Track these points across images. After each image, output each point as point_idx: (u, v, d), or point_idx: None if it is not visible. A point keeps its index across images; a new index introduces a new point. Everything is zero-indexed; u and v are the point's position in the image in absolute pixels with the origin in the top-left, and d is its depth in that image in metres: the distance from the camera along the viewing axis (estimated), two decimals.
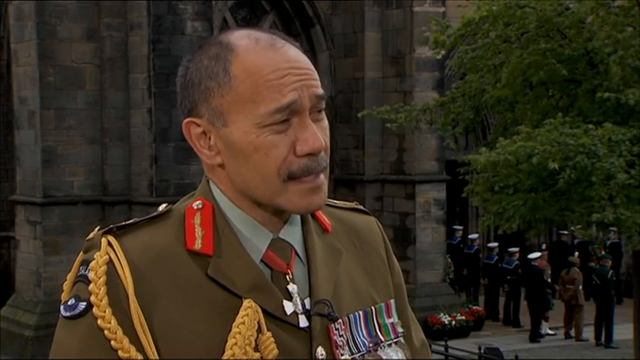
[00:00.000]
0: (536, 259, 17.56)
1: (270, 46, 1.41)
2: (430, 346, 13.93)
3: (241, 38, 1.43)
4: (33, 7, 15.00)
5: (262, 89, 1.38)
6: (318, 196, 1.42)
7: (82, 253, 1.42)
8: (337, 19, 18.21)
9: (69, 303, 1.38)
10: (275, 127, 1.38)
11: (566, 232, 18.38)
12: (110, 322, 1.33)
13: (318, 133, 1.40)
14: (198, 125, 1.43)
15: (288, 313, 1.41)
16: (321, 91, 1.42)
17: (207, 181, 1.48)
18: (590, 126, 9.67)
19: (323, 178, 1.43)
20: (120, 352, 1.33)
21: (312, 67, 1.44)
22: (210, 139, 1.43)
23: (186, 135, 1.45)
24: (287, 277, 1.44)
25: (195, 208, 1.45)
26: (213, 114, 1.41)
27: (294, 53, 1.42)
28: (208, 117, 1.42)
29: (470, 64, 11.65)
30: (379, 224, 1.67)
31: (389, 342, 1.52)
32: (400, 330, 1.56)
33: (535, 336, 17.15)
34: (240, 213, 1.45)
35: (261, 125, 1.38)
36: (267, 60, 1.40)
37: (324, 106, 1.44)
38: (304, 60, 1.43)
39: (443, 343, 13.58)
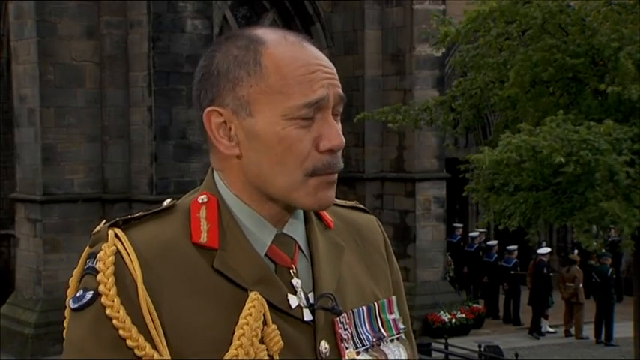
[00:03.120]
0: (545, 254, 17.61)
1: (299, 42, 1.44)
2: (430, 344, 13.90)
3: (269, 33, 1.45)
4: (33, 5, 14.99)
5: (293, 82, 1.40)
6: (332, 192, 1.45)
7: (88, 247, 1.43)
8: (337, 17, 18.20)
9: (77, 295, 1.39)
10: (300, 121, 1.40)
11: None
12: (119, 312, 1.34)
13: (339, 131, 1.43)
14: (220, 114, 1.43)
15: (293, 306, 1.42)
16: (342, 92, 1.45)
17: (212, 175, 1.49)
18: (592, 123, 9.66)
19: (336, 176, 1.45)
20: (128, 341, 1.33)
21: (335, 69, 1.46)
22: (230, 129, 1.43)
23: (206, 124, 1.44)
24: (291, 271, 1.45)
25: (200, 202, 1.46)
26: (238, 103, 1.42)
27: (319, 53, 1.45)
28: (233, 106, 1.42)
29: (471, 62, 11.65)
30: (379, 223, 1.68)
31: (391, 337, 1.54)
32: (402, 326, 1.57)
33: (534, 330, 17.14)
34: (245, 207, 1.46)
35: (287, 118, 1.40)
36: (297, 55, 1.42)
37: (341, 109, 1.46)
38: (329, 60, 1.46)
39: (443, 340, 13.59)
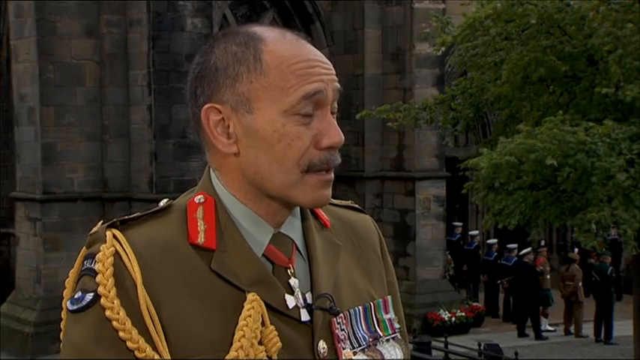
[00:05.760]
0: (524, 254, 17.57)
1: (297, 40, 1.45)
2: (430, 342, 13.89)
3: (267, 31, 1.45)
4: (32, 3, 14.99)
5: (291, 77, 1.40)
6: (328, 191, 1.45)
7: (85, 247, 1.42)
8: (337, 16, 18.20)
9: (75, 296, 1.37)
10: (300, 118, 1.40)
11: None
12: (119, 313, 1.33)
13: (338, 128, 1.43)
14: (219, 111, 1.43)
15: (290, 307, 1.42)
16: (339, 86, 1.46)
17: (209, 175, 1.48)
18: (590, 124, 9.66)
19: (333, 175, 1.46)
20: (128, 343, 1.33)
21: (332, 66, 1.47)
22: (229, 126, 1.43)
23: (204, 121, 1.43)
24: (288, 271, 1.45)
25: (197, 202, 1.45)
26: (238, 100, 1.41)
27: (317, 51, 1.46)
28: (232, 103, 1.42)
29: (470, 61, 11.65)
30: (374, 222, 1.68)
31: (387, 337, 1.54)
32: (397, 326, 1.57)
33: (522, 333, 17.08)
34: (242, 207, 1.45)
35: (288, 113, 1.40)
36: (296, 51, 1.43)
37: (336, 105, 1.47)
38: (326, 58, 1.47)
39: (443, 339, 13.58)
